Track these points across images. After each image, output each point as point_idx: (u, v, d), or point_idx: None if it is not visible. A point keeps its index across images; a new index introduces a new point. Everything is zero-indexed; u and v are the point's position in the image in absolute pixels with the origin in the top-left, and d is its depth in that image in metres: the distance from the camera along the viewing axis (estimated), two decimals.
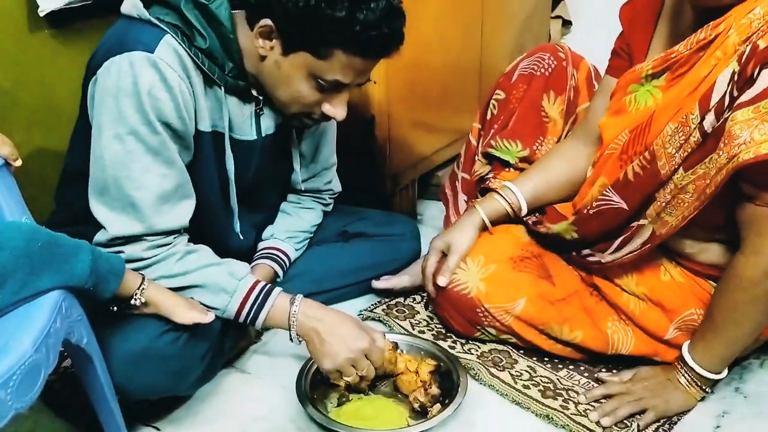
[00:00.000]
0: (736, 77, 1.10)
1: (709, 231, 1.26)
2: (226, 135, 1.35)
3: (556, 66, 1.58)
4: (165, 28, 1.23)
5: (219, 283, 1.30)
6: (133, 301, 1.18)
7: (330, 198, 1.69)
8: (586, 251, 1.36)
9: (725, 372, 1.30)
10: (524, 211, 1.47)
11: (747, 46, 1.10)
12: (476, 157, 1.66)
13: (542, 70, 1.58)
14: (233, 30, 1.27)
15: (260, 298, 1.32)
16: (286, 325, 1.33)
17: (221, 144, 1.36)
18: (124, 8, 1.28)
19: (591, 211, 1.31)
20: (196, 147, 1.33)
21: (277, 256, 1.57)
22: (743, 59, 1.09)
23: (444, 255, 1.46)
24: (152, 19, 1.23)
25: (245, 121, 1.38)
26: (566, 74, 1.58)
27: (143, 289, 1.20)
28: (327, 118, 1.35)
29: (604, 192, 1.28)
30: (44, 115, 1.68)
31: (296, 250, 1.62)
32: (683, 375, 1.30)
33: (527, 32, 2.45)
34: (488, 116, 1.65)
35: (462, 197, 1.70)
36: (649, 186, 1.22)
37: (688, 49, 1.20)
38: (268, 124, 1.42)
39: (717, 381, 1.31)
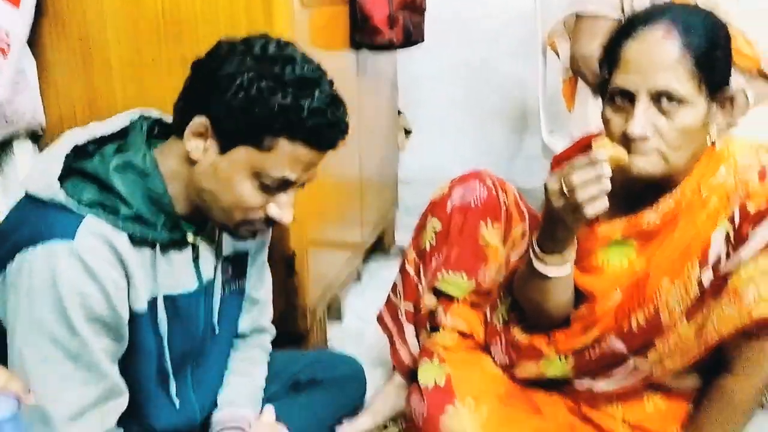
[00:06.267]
0: (731, 239, 1.22)
1: (693, 365, 1.35)
2: (159, 298, 1.19)
3: (488, 195, 1.62)
4: (81, 211, 1.08)
5: None
6: None
7: (269, 341, 1.54)
8: (578, 380, 1.41)
9: None
10: None
11: (734, 207, 1.23)
12: (419, 288, 1.65)
13: (476, 201, 1.62)
14: (160, 174, 1.15)
15: None
16: None
17: (156, 310, 1.20)
18: (31, 188, 1.10)
19: (593, 357, 1.36)
20: (133, 329, 1.17)
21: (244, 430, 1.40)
22: (735, 221, 1.22)
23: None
24: (68, 204, 1.07)
25: (183, 271, 1.23)
26: (499, 201, 1.63)
27: None
28: (271, 223, 1.19)
29: (606, 339, 1.33)
30: None
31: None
32: None
33: (388, 144, 2.53)
34: (426, 246, 1.65)
35: (409, 328, 1.67)
36: (652, 335, 1.29)
37: (660, 216, 1.29)
38: (207, 267, 1.28)
39: None
